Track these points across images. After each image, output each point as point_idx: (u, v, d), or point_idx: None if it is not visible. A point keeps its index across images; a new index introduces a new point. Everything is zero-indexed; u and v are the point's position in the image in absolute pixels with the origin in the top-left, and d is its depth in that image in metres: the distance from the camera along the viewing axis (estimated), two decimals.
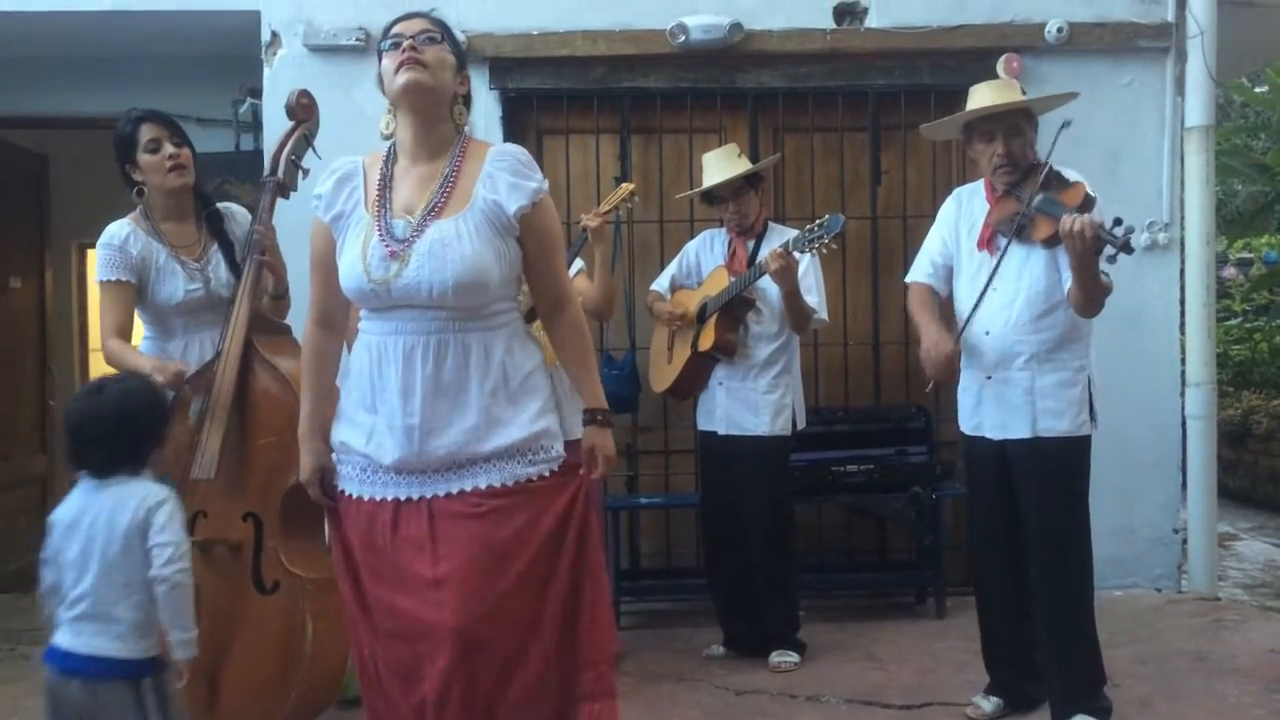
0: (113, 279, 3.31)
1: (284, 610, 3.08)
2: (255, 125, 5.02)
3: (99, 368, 6.42)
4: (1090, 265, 2.99)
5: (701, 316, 4.15)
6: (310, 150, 3.36)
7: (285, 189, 3.34)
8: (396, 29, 2.32)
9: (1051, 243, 3.15)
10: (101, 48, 5.15)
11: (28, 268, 5.95)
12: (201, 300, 3.33)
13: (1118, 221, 2.90)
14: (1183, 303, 5.10)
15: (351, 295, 2.34)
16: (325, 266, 2.39)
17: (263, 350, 3.21)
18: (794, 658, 4.06)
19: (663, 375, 4.37)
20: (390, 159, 2.39)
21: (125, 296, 3.32)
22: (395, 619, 2.30)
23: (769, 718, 3.53)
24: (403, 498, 2.30)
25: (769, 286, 4.00)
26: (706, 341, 4.11)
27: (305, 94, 3.36)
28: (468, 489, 2.28)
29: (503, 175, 2.32)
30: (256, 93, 4.98)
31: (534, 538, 2.28)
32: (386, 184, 2.35)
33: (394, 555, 2.30)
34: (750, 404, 4.09)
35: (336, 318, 2.45)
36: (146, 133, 3.32)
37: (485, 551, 2.24)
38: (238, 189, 4.88)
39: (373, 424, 2.31)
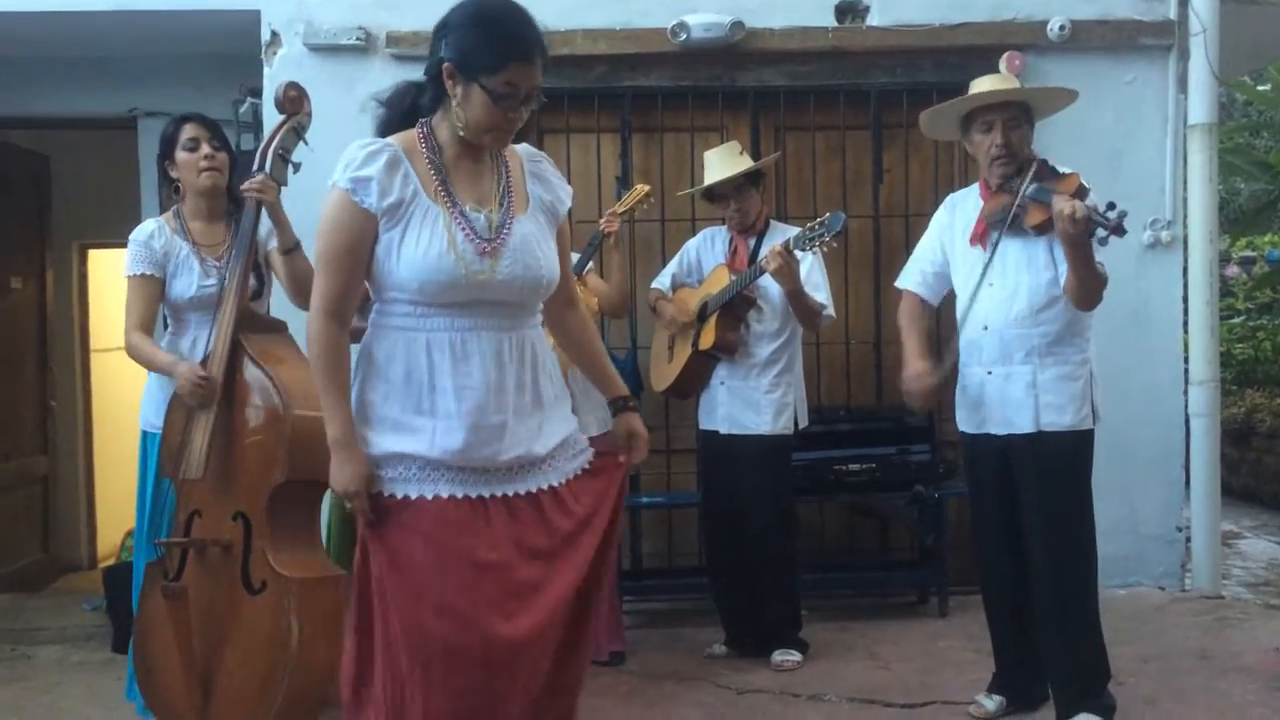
0: (138, 273, 3.37)
1: (271, 610, 3.08)
2: (256, 125, 5.01)
3: (100, 368, 6.47)
4: (1083, 249, 2.98)
5: (702, 315, 4.15)
6: (302, 143, 3.35)
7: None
8: (511, 76, 2.20)
9: (1044, 229, 3.15)
10: (102, 47, 5.16)
11: (28, 268, 5.95)
12: (215, 296, 3.33)
13: (1111, 205, 2.90)
14: (1186, 301, 5.09)
15: (430, 288, 2.18)
16: (355, 255, 2.21)
17: (250, 349, 3.21)
18: (796, 657, 4.05)
19: (664, 374, 4.36)
20: (432, 147, 2.26)
21: (149, 291, 3.37)
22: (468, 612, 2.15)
23: (771, 717, 3.52)
24: (474, 495, 2.21)
25: (770, 285, 4.00)
26: (707, 340, 4.10)
27: (294, 85, 3.32)
28: (534, 489, 2.27)
29: (549, 174, 2.40)
30: (257, 92, 4.97)
31: (588, 530, 2.32)
32: (442, 174, 2.25)
33: (470, 554, 2.17)
34: (752, 403, 4.08)
35: (349, 311, 2.28)
36: (187, 132, 3.40)
37: (563, 542, 2.27)
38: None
39: (433, 426, 2.19)
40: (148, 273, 3.36)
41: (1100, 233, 2.90)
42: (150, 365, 3.37)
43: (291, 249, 3.35)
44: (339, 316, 2.24)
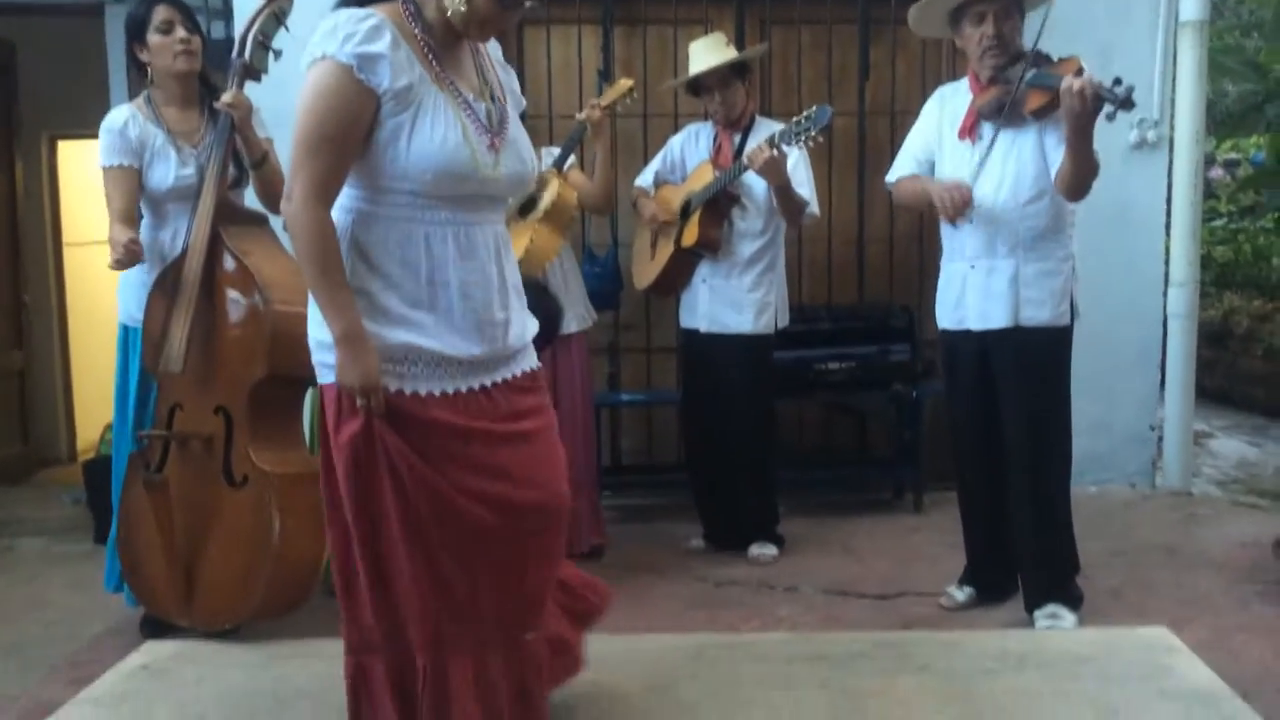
0: (113, 164, 3.28)
1: (253, 505, 3.10)
2: (226, 12, 4.86)
3: (73, 262, 6.38)
4: (1088, 129, 2.97)
5: (685, 212, 4.11)
6: (283, 30, 3.25)
7: (253, 72, 3.24)
8: None
9: (1043, 114, 3.13)
10: None
11: None
12: (194, 186, 3.26)
13: (1117, 81, 2.88)
14: (1169, 202, 5.07)
15: (442, 179, 2.10)
16: (352, 137, 2.07)
17: (229, 242, 3.17)
18: (773, 550, 4.12)
19: (645, 272, 4.34)
20: (420, 25, 2.14)
21: (127, 181, 3.28)
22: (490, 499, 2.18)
23: (747, 608, 3.59)
24: (476, 386, 2.20)
25: (755, 182, 3.96)
26: (690, 238, 4.07)
27: None
28: (520, 371, 2.30)
29: (508, 66, 2.38)
30: None
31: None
32: (439, 58, 2.15)
33: (489, 434, 2.20)
34: (733, 302, 4.07)
35: (335, 195, 2.13)
36: (160, 14, 3.28)
37: (551, 423, 2.34)
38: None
39: (434, 321, 2.14)
40: (124, 163, 3.26)
41: (1108, 108, 2.89)
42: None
43: (259, 163, 3.28)
44: (328, 203, 2.10)
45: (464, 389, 2.18)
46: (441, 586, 2.15)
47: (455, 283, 2.15)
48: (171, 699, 2.79)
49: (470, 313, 2.17)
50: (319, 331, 2.15)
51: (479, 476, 2.16)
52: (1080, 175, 3.09)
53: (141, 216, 3.38)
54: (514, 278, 2.31)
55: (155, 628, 3.33)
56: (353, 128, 2.07)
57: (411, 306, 2.13)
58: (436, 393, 2.15)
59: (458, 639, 2.17)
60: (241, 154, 3.28)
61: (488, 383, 2.22)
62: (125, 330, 3.45)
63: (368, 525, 2.15)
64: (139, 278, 3.33)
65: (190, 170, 3.28)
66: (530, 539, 2.24)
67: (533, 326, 2.37)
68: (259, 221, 3.32)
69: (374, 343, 2.09)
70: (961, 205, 3.24)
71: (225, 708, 2.73)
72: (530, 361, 2.34)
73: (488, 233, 2.21)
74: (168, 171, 3.28)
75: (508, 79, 2.36)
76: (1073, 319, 3.31)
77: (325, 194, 2.09)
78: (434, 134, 2.09)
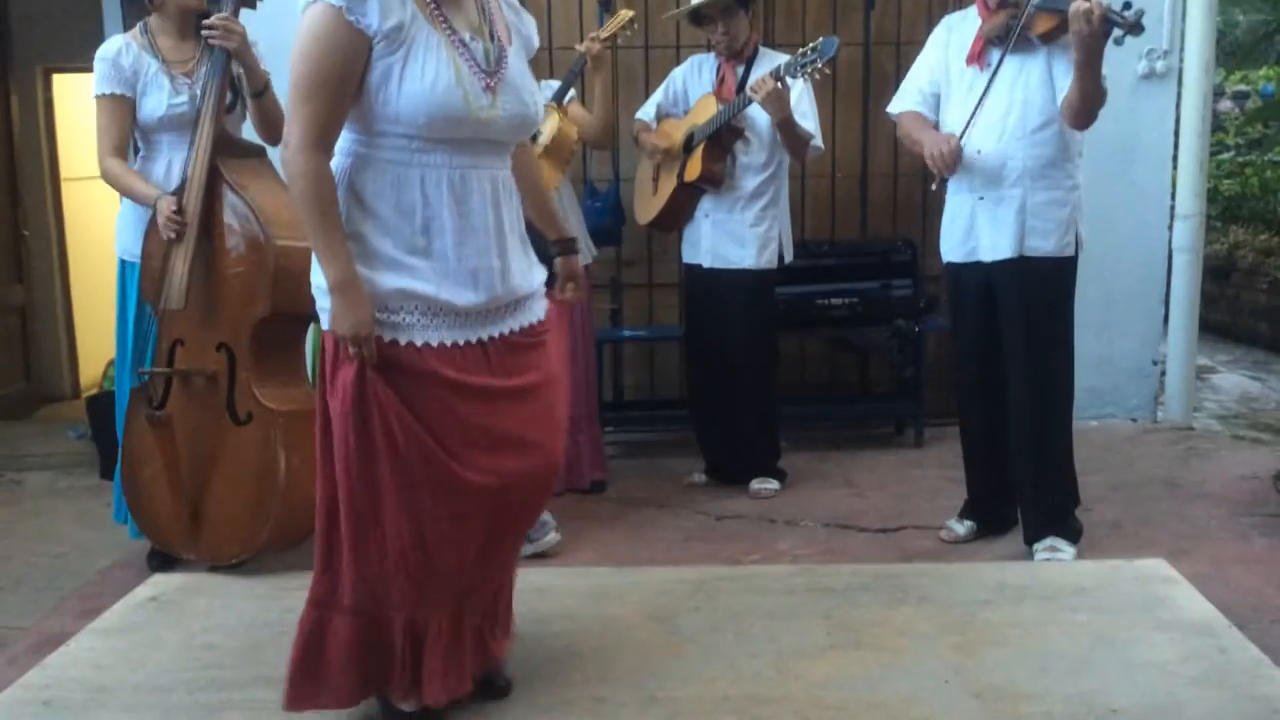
0: (106, 93, 3.24)
1: (258, 442, 3.11)
2: None
3: (72, 196, 6.33)
4: (1097, 54, 2.94)
5: (688, 146, 4.06)
6: None
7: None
8: None
9: (1051, 37, 3.10)
10: None
11: None
12: (186, 115, 3.23)
13: (1126, 4, 2.86)
14: (1176, 135, 5.02)
15: (435, 122, 2.06)
16: (346, 82, 2.03)
17: (228, 175, 3.14)
18: (774, 485, 4.14)
19: (647, 207, 4.31)
20: None
21: (120, 111, 3.25)
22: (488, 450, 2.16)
23: (749, 541, 3.62)
24: (474, 340, 2.16)
25: (758, 115, 3.91)
26: (693, 172, 4.03)
27: None
28: (523, 325, 2.25)
29: (521, 10, 2.33)
30: None
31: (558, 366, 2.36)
32: None
33: (484, 389, 2.16)
34: (736, 236, 4.04)
35: (334, 142, 2.10)
36: None
37: (550, 378, 2.30)
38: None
39: (431, 268, 2.10)
40: (118, 92, 3.24)
41: (1116, 32, 2.86)
42: (130, 194, 3.28)
43: (261, 92, 3.24)
44: (325, 149, 2.07)
45: (461, 341, 2.14)
46: (427, 546, 2.14)
47: (450, 229, 2.11)
48: (179, 630, 2.83)
49: (466, 259, 2.12)
50: (318, 277, 2.11)
51: (473, 439, 2.13)
52: (1087, 102, 3.05)
53: (138, 150, 3.35)
54: (516, 224, 2.26)
55: (162, 561, 3.37)
56: (346, 71, 2.03)
57: (407, 252, 2.10)
58: (434, 344, 2.11)
59: (438, 597, 2.19)
60: (240, 84, 3.23)
61: (485, 336, 2.18)
62: (123, 265, 3.43)
63: (358, 477, 2.12)
64: (136, 212, 3.31)
65: (183, 99, 3.25)
66: (519, 505, 2.25)
67: (539, 275, 2.32)
68: (257, 154, 3.29)
69: (368, 289, 2.06)
70: (950, 161, 3.23)
71: (233, 639, 2.76)
72: (534, 314, 2.29)
73: (484, 177, 2.16)
74: (161, 101, 3.24)
75: (518, 20, 2.30)
76: (1077, 251, 3.29)
77: (322, 140, 2.06)
78: (425, 75, 2.05)
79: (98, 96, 3.25)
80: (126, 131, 3.27)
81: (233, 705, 2.42)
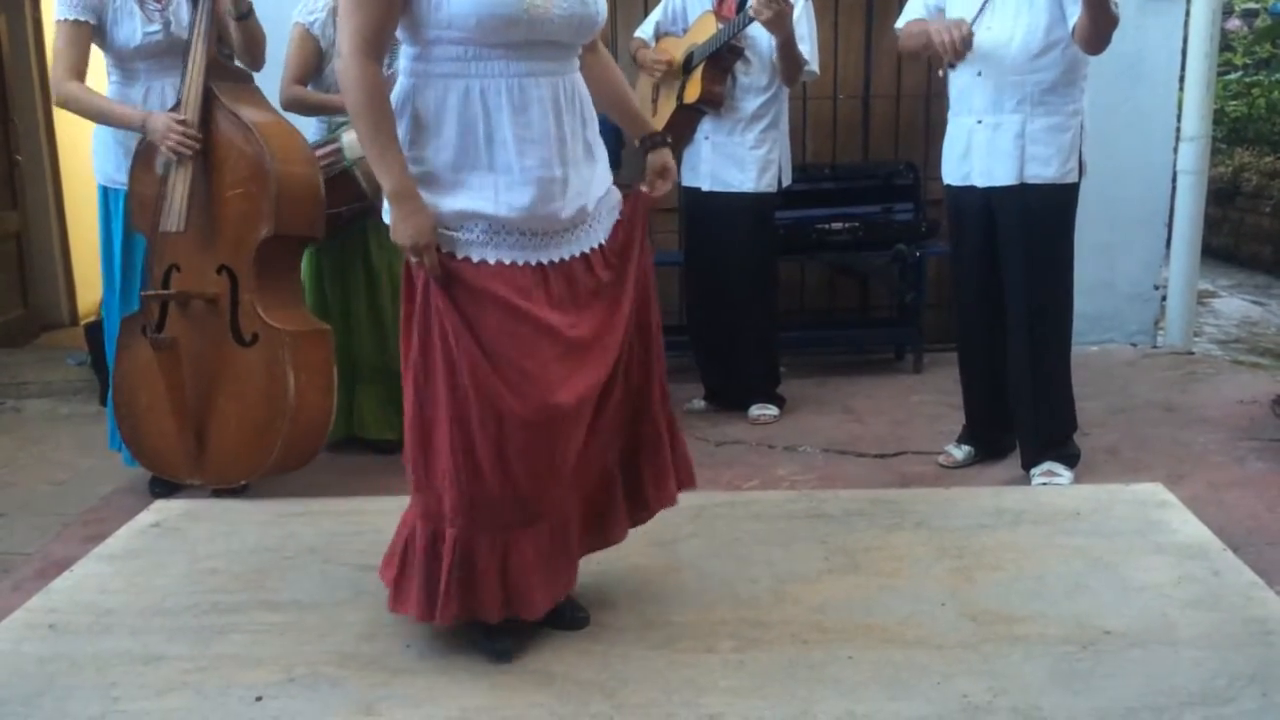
0: (69, 18, 3.17)
1: (265, 362, 3.11)
2: None
3: (64, 120, 6.22)
4: None
5: (687, 66, 4.00)
6: None
7: None
8: None
9: None
10: None
11: None
12: (162, 43, 3.19)
13: None
14: (1184, 55, 4.93)
15: (488, 25, 2.00)
16: None
17: (224, 98, 3.10)
18: (773, 411, 4.15)
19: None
20: None
21: (81, 37, 3.18)
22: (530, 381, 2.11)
23: (748, 467, 3.64)
24: (536, 262, 2.13)
25: (760, 35, 3.84)
26: (692, 93, 3.97)
27: None
28: (588, 249, 2.20)
29: None
30: None
31: (632, 277, 2.27)
32: None
33: (544, 330, 2.11)
34: (736, 159, 4.00)
35: (384, 50, 2.09)
36: None
37: (618, 316, 2.24)
38: None
39: (494, 182, 2.08)
40: (81, 18, 3.15)
41: None
42: (102, 117, 3.22)
43: (246, 14, 3.19)
44: (376, 56, 2.05)
45: (520, 262, 2.12)
46: (473, 464, 2.13)
47: (512, 139, 2.07)
48: (183, 555, 2.85)
49: (528, 169, 2.08)
50: (441, 205, 2.12)
51: (521, 364, 2.09)
52: (1099, 26, 2.98)
53: (112, 76, 3.29)
54: (580, 131, 2.18)
55: (165, 487, 3.38)
56: None
57: (470, 170, 2.09)
58: (491, 260, 2.10)
59: (485, 518, 2.16)
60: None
61: (545, 260, 2.14)
62: (105, 192, 3.39)
63: (420, 386, 2.16)
64: (114, 138, 3.28)
65: (156, 27, 3.20)
66: (562, 434, 2.16)
67: (603, 184, 2.25)
68: (246, 79, 3.25)
69: (432, 210, 2.08)
70: (961, 44, 3.13)
71: (235, 564, 2.79)
72: (597, 236, 2.23)
73: (544, 85, 2.09)
74: (134, 29, 3.19)
75: None
76: (1080, 176, 3.25)
77: (372, 47, 2.04)
78: None
79: (59, 21, 3.18)
80: (86, 58, 3.20)
81: (237, 628, 2.44)
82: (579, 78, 2.20)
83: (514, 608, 2.23)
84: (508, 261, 2.11)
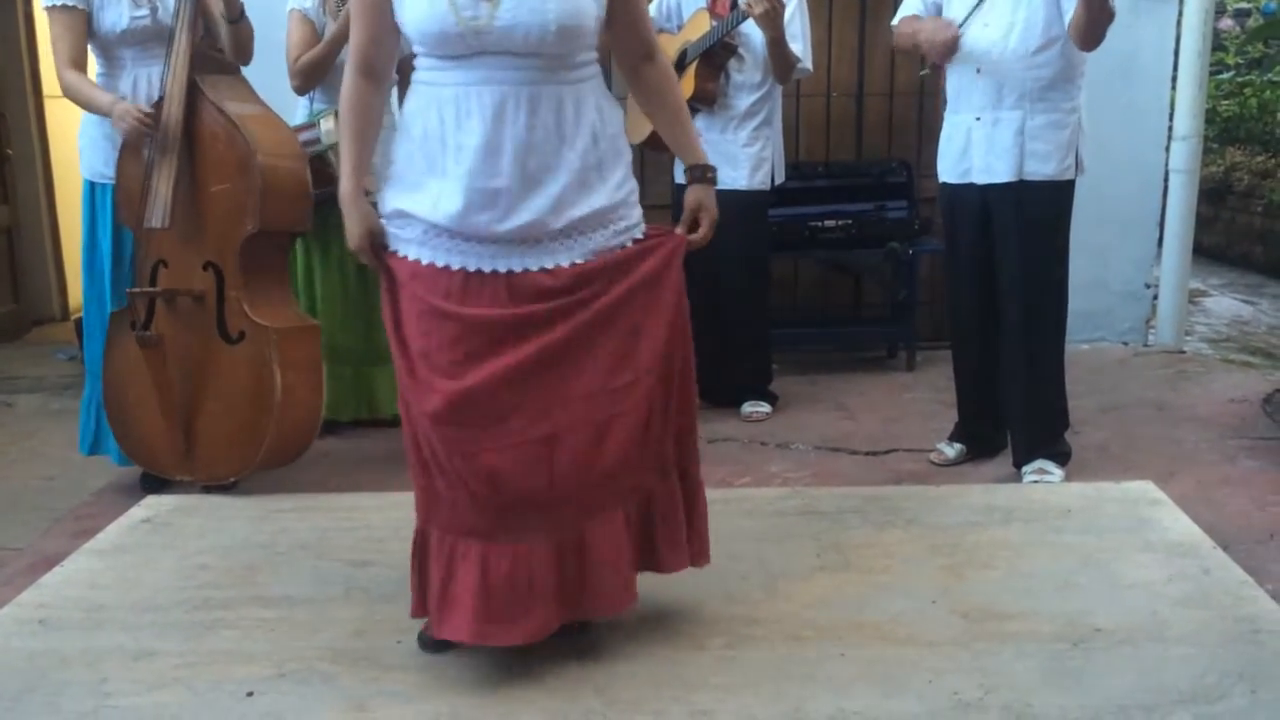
0: (58, 3, 3.16)
1: (252, 360, 3.10)
2: None
3: (55, 114, 6.21)
4: None
5: (681, 64, 4.00)
6: None
7: None
8: None
9: None
10: None
11: None
12: (149, 30, 3.17)
13: None
14: (1176, 54, 4.94)
15: (428, 39, 2.04)
16: (375, 6, 2.10)
17: (208, 92, 3.08)
18: (766, 408, 4.15)
19: (639, 126, 4.23)
20: None
21: (75, 23, 3.17)
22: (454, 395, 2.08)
23: (740, 463, 3.64)
24: (471, 268, 2.10)
25: (753, 32, 3.84)
26: (685, 90, 3.96)
27: None
28: (548, 265, 2.10)
29: None
30: None
31: (616, 309, 2.17)
32: None
33: (459, 327, 2.08)
34: (729, 157, 3.99)
35: (381, 66, 2.18)
36: None
37: (568, 349, 2.13)
38: None
39: (440, 188, 2.08)
40: (69, 3, 3.14)
41: None
42: (89, 106, 3.21)
43: (238, 17, 3.19)
44: (367, 71, 2.17)
45: (455, 266, 2.10)
46: (421, 459, 2.15)
47: (453, 147, 2.08)
48: (173, 551, 2.84)
49: (460, 178, 2.07)
50: (387, 202, 2.19)
51: (435, 359, 2.08)
52: (1095, 22, 2.99)
53: (100, 67, 3.28)
54: (562, 147, 2.09)
55: (155, 483, 3.37)
56: None
57: (426, 172, 2.11)
58: (424, 261, 2.12)
59: (442, 518, 2.15)
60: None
61: (488, 268, 2.09)
62: (91, 187, 3.38)
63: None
64: (101, 131, 3.26)
65: (144, 12, 3.18)
66: (481, 426, 2.08)
67: (580, 208, 2.11)
68: (232, 71, 3.23)
69: (382, 208, 2.18)
70: (947, 45, 3.17)
71: (226, 559, 2.78)
72: (572, 254, 2.13)
73: (488, 95, 2.05)
74: (120, 14, 3.17)
75: None
76: (1078, 173, 3.26)
77: (363, 63, 2.16)
78: None
79: (48, 8, 3.17)
80: (83, 44, 3.20)
81: (228, 624, 2.44)
82: (567, 90, 2.10)
83: (436, 619, 2.18)
84: (440, 264, 2.11)
